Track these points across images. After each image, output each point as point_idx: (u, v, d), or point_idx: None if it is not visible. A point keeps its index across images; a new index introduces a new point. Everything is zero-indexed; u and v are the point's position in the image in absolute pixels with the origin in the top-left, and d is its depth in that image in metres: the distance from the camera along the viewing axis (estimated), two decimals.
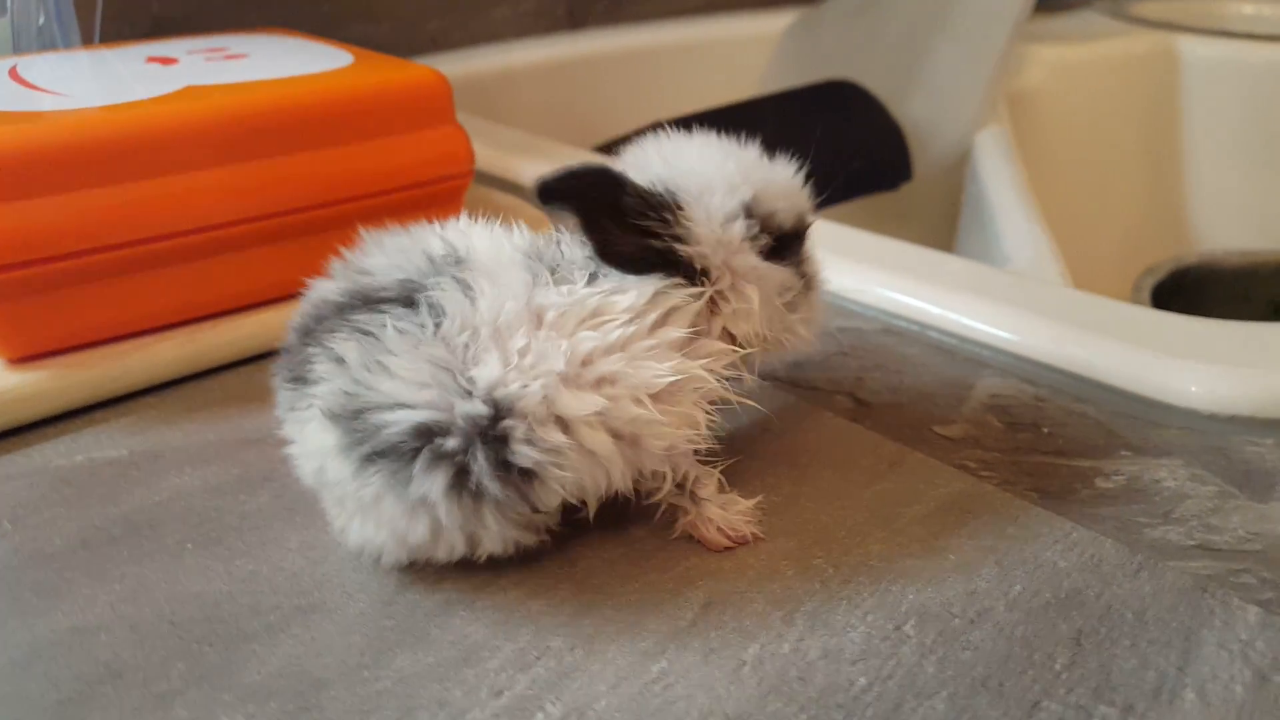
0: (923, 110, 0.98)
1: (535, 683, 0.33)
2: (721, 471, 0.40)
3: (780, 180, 0.40)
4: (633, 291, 0.36)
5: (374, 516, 0.35)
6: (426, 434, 0.33)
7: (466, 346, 0.34)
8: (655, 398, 0.35)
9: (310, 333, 0.36)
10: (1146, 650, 0.34)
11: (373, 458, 0.34)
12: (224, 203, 0.51)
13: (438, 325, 0.34)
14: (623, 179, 0.37)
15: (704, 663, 0.33)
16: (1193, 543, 0.39)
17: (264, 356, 0.54)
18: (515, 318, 0.34)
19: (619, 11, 1.27)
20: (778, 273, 0.40)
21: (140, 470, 0.45)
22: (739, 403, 0.39)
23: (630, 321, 0.35)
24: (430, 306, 0.35)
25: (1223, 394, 0.48)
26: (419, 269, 0.36)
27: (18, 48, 0.73)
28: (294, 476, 0.43)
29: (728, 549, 0.39)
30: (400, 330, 0.34)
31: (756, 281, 0.39)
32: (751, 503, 0.40)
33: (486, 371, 0.34)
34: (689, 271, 0.38)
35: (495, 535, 0.35)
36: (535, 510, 0.35)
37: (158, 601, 0.37)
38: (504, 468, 0.33)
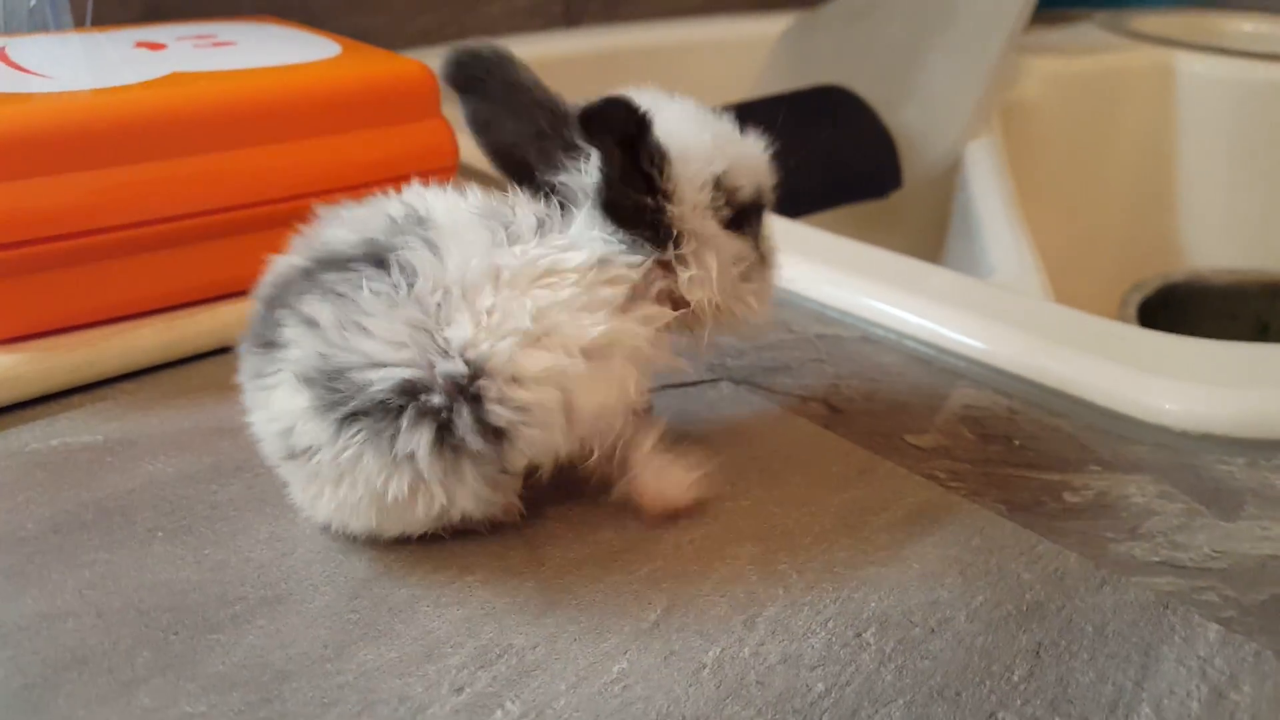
0: (915, 119, 0.98)
1: (496, 680, 0.33)
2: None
3: (748, 154, 0.41)
4: (584, 250, 0.36)
5: (350, 478, 0.35)
6: (411, 391, 0.34)
7: (439, 306, 0.35)
8: (586, 354, 0.35)
9: (277, 299, 0.37)
10: (1105, 664, 0.34)
11: (355, 416, 0.34)
12: (207, 190, 0.51)
13: (410, 285, 0.35)
14: (650, 121, 0.36)
15: (664, 664, 0.33)
16: (1157, 559, 0.40)
17: None
18: (481, 276, 0.35)
19: (615, 10, 1.27)
20: (734, 243, 0.40)
21: (115, 456, 0.45)
22: (671, 367, 0.40)
23: (577, 282, 0.36)
24: (401, 266, 0.35)
25: (1196, 412, 0.48)
26: (383, 229, 0.37)
27: (8, 28, 0.73)
28: (267, 467, 0.43)
29: (668, 518, 0.40)
30: (375, 291, 0.35)
31: (716, 250, 0.39)
32: (694, 473, 0.40)
33: (460, 331, 0.34)
34: (663, 232, 0.38)
35: (470, 492, 0.36)
36: (503, 470, 0.37)
37: (126, 589, 0.37)
38: (480, 425, 0.34)
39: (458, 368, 0.34)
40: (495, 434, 0.35)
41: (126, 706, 0.32)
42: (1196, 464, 0.46)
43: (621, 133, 0.36)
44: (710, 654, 0.34)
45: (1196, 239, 1.23)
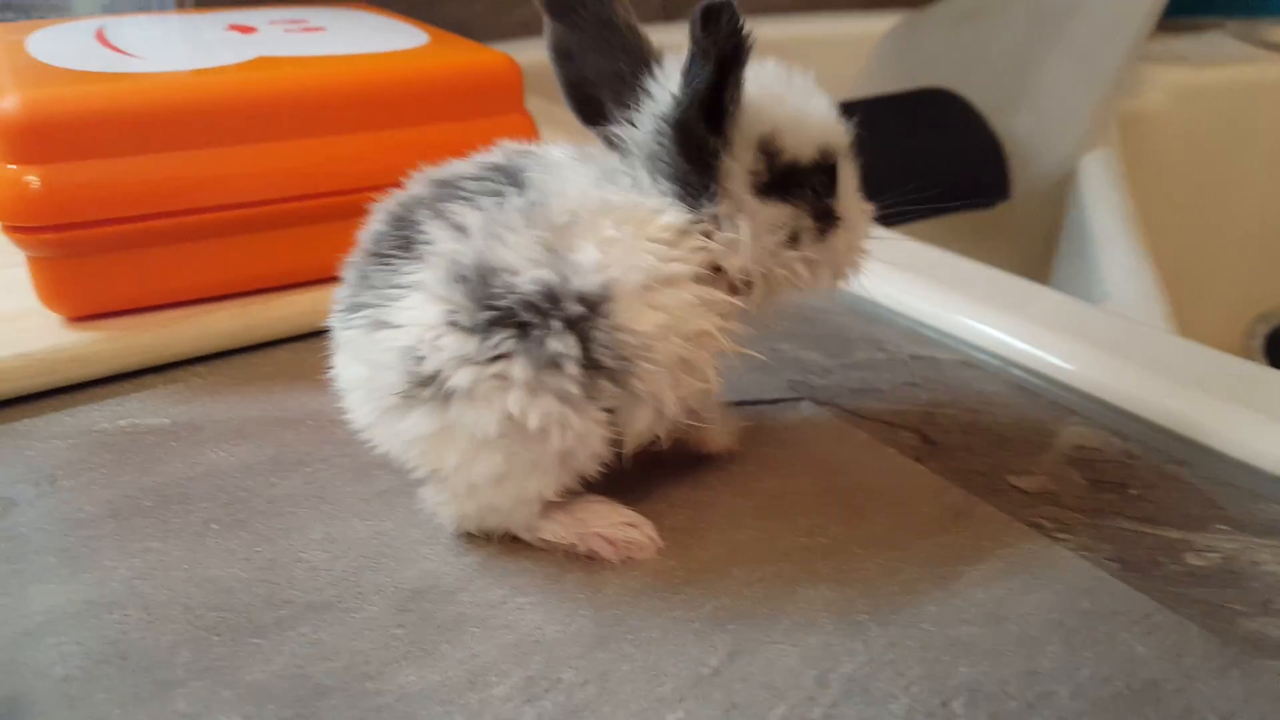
0: (1027, 126, 0.93)
1: (541, 717, 0.30)
2: (766, 502, 0.38)
3: (807, 113, 0.37)
4: (669, 211, 0.35)
5: (485, 402, 0.33)
6: (554, 299, 0.33)
7: (566, 228, 0.34)
8: (685, 338, 0.35)
9: (408, 211, 0.35)
10: None
11: (501, 321, 0.32)
12: (285, 177, 0.50)
13: (541, 204, 0.34)
14: (750, 50, 0.34)
15: (724, 718, 0.31)
16: None
17: (316, 335, 0.53)
18: (600, 206, 0.35)
19: None
20: (769, 209, 0.37)
21: (179, 441, 0.44)
22: (738, 353, 0.38)
23: (669, 244, 0.35)
24: (534, 185, 0.35)
25: None
26: (503, 156, 0.37)
27: (113, 8, 0.74)
28: (326, 461, 0.42)
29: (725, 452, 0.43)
30: (515, 207, 0.34)
31: (750, 215, 0.36)
32: (742, 423, 0.44)
33: (588, 255, 0.33)
34: (710, 187, 0.36)
35: (596, 432, 0.35)
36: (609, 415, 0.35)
37: (175, 582, 0.36)
38: (609, 351, 0.33)
39: (591, 284, 0.33)
40: (619, 366, 0.34)
41: (161, 710, 0.31)
42: None
43: (730, 45, 0.33)
44: (776, 711, 0.31)
45: None
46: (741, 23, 0.32)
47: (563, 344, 0.33)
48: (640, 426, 0.36)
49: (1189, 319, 0.70)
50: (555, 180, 0.35)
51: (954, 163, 0.89)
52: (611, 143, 0.38)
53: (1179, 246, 0.99)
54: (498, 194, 0.35)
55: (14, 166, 0.45)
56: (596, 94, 0.38)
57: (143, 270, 0.49)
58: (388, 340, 0.34)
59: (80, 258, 0.47)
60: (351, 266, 0.36)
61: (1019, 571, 0.38)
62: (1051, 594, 0.37)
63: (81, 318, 0.49)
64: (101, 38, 0.57)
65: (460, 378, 0.33)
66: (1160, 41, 1.03)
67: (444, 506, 0.37)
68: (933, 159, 0.87)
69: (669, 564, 0.37)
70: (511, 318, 0.33)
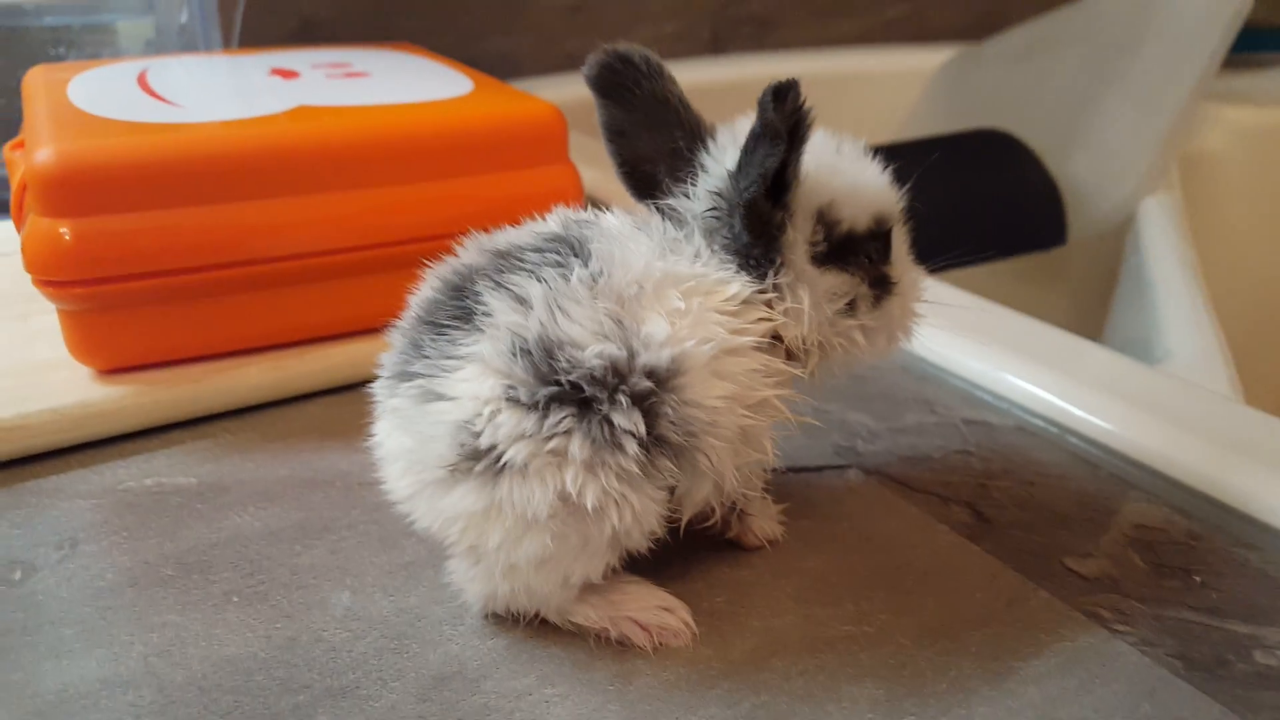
0: (1084, 169, 0.90)
1: None
2: (809, 584, 0.36)
3: (862, 182, 0.37)
4: (735, 283, 0.35)
5: (539, 479, 0.31)
6: (620, 374, 0.32)
7: (634, 299, 0.33)
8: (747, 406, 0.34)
9: (466, 284, 0.34)
10: None
11: (561, 398, 0.31)
12: (324, 230, 0.50)
13: (606, 275, 0.33)
14: (811, 127, 0.34)
15: None
16: None
17: (350, 388, 0.52)
18: (666, 277, 0.34)
19: (764, 37, 1.23)
20: (829, 278, 0.37)
21: (205, 503, 0.43)
22: (796, 422, 0.37)
23: (735, 315, 0.34)
24: (597, 256, 0.34)
25: None
26: (562, 226, 0.36)
27: (161, 46, 0.74)
28: (353, 528, 0.41)
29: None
30: (580, 279, 0.33)
31: (809, 285, 0.36)
32: (779, 507, 0.42)
33: (657, 328, 0.32)
34: (771, 259, 0.36)
35: (651, 509, 0.33)
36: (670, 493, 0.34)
37: (192, 661, 0.35)
38: (674, 426, 0.33)
39: (661, 359, 0.32)
40: (687, 442, 0.33)
41: None
42: None
43: (794, 122, 0.33)
44: None
45: None
46: (804, 99, 0.32)
47: (628, 420, 0.31)
48: (698, 500, 0.36)
49: (1251, 376, 0.67)
50: (618, 251, 0.34)
51: (1008, 207, 0.87)
52: (665, 214, 0.37)
53: (1242, 298, 0.95)
54: (560, 265, 0.34)
55: (47, 219, 0.45)
56: (651, 170, 0.38)
57: (175, 324, 0.49)
58: (440, 413, 0.32)
59: (112, 311, 0.47)
60: (402, 333, 0.35)
61: (1075, 668, 0.35)
62: (1110, 694, 0.34)
63: (112, 370, 0.48)
64: (144, 82, 0.57)
65: (515, 453, 0.31)
66: (1222, 79, 1.00)
67: (473, 584, 0.36)
68: (987, 203, 0.84)
69: (705, 653, 0.35)
70: (575, 394, 0.31)
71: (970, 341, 0.56)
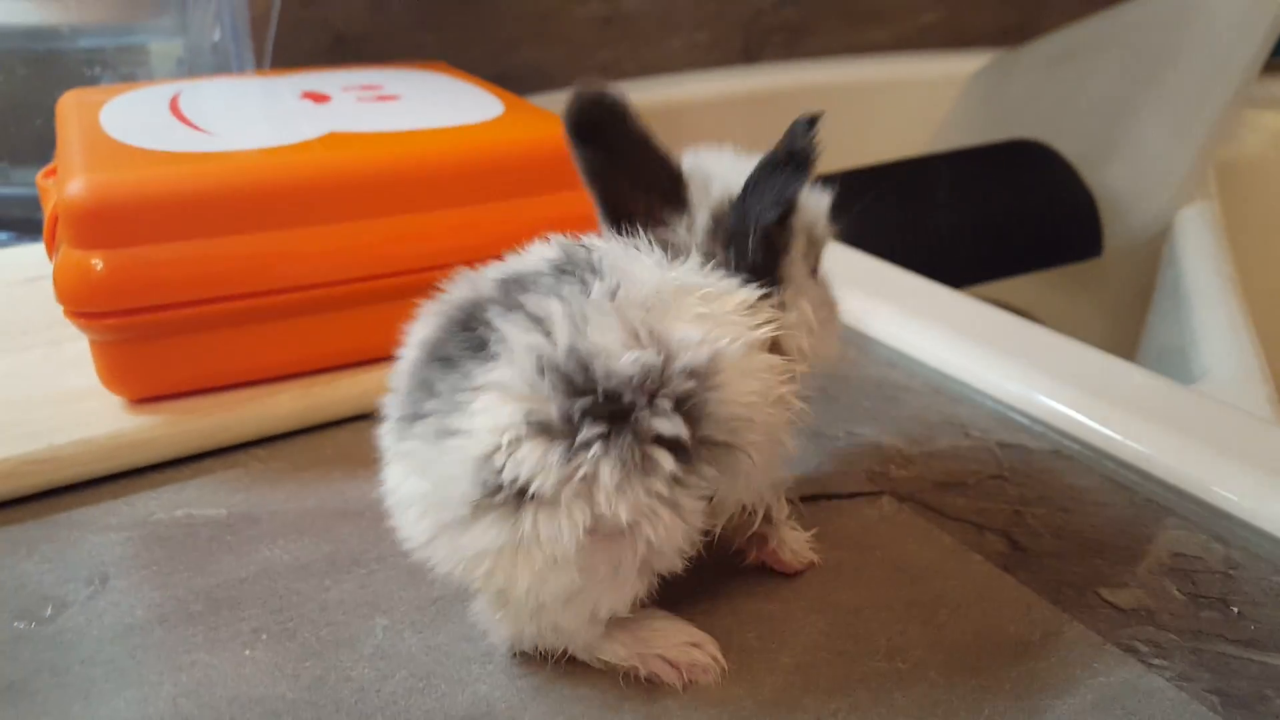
0: (1120, 178, 0.88)
1: None
2: (841, 618, 0.35)
3: (821, 200, 0.40)
4: (743, 290, 0.35)
5: (569, 507, 0.30)
6: (658, 378, 0.31)
7: (658, 308, 0.33)
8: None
9: (473, 315, 0.33)
10: None
11: (594, 411, 0.30)
12: (357, 257, 0.50)
13: (622, 290, 0.33)
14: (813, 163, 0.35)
15: None
16: None
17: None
18: (679, 287, 0.34)
19: (796, 46, 1.22)
20: (817, 289, 0.40)
21: (235, 535, 0.43)
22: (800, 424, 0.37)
23: (750, 315, 0.35)
24: (612, 271, 0.34)
25: None
26: (566, 248, 0.36)
27: (192, 66, 0.75)
28: (382, 561, 0.41)
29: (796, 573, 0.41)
30: (600, 293, 0.33)
31: (808, 296, 0.39)
32: (809, 533, 0.42)
33: (689, 332, 0.32)
34: (776, 275, 0.37)
35: (685, 524, 0.33)
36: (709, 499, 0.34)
37: (219, 702, 0.35)
38: (715, 424, 0.33)
39: (700, 357, 0.32)
40: (731, 440, 0.33)
41: None
42: None
43: (808, 167, 0.35)
44: None
45: None
46: (815, 144, 0.35)
47: (671, 424, 0.31)
48: (732, 506, 0.37)
49: None
50: (629, 266, 0.34)
51: (1044, 218, 0.85)
52: (656, 244, 0.36)
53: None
54: (577, 281, 0.33)
55: (79, 251, 0.45)
56: (632, 208, 0.38)
57: (208, 352, 0.49)
58: (459, 449, 0.31)
59: (143, 342, 0.47)
60: (406, 375, 0.34)
61: (1111, 706, 0.35)
62: None
63: (144, 400, 0.49)
64: (175, 108, 0.57)
65: (542, 482, 0.30)
66: (1260, 84, 0.97)
67: (499, 626, 0.36)
68: (1022, 214, 0.83)
69: (735, 692, 0.35)
70: (610, 405, 0.31)
71: (1005, 362, 0.55)
